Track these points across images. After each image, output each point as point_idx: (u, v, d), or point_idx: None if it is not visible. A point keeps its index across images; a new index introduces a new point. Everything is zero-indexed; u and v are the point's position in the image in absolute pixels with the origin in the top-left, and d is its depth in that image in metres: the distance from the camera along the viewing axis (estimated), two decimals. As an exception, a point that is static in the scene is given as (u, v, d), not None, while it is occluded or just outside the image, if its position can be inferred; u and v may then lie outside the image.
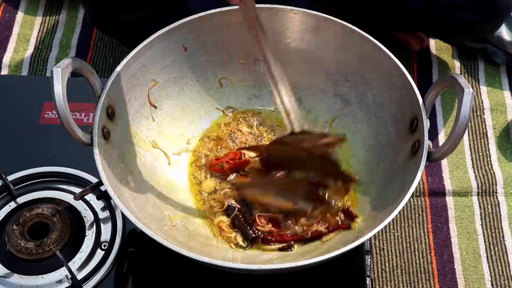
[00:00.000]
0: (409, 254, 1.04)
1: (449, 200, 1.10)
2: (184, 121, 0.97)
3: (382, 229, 1.05)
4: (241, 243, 0.86)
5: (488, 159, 1.15)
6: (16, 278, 0.85)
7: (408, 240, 1.06)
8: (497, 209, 1.09)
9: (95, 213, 0.92)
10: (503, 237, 1.07)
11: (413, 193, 0.79)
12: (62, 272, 0.86)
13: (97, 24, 1.22)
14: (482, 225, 1.08)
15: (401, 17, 1.16)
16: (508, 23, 1.27)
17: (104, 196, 0.92)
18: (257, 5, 0.93)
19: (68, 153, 0.96)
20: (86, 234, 0.90)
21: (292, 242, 0.85)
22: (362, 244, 0.86)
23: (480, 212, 1.09)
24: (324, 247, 0.84)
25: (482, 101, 1.24)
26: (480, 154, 1.16)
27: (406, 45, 1.28)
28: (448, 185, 1.12)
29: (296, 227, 0.86)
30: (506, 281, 1.02)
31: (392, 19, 1.18)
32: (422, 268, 1.03)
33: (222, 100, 0.99)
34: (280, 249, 0.85)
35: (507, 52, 1.26)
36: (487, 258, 1.04)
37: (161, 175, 0.92)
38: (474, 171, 1.14)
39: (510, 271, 1.03)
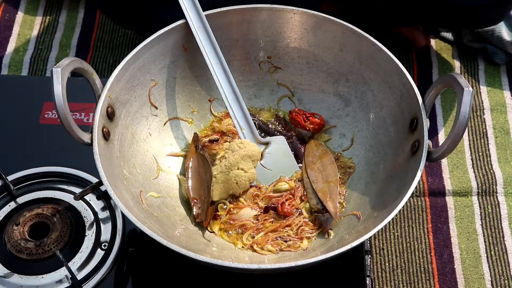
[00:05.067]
0: (409, 254, 1.04)
1: (449, 200, 1.10)
2: (184, 121, 0.97)
3: (382, 229, 1.05)
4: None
5: (488, 159, 1.15)
6: (16, 278, 0.85)
7: (408, 240, 1.06)
8: (497, 209, 1.09)
9: (95, 213, 0.92)
10: (503, 237, 1.06)
11: (413, 193, 0.79)
12: (62, 272, 0.86)
13: (105, 7, 1.18)
14: (482, 225, 1.08)
15: (409, 7, 1.15)
16: (508, 23, 1.26)
17: (104, 196, 0.92)
18: (257, 5, 0.93)
19: (68, 153, 0.96)
20: (86, 234, 0.90)
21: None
22: (362, 244, 0.86)
23: (480, 212, 1.09)
24: (324, 247, 0.84)
25: (482, 101, 1.24)
26: (480, 154, 1.16)
27: (411, 40, 1.27)
28: (448, 185, 1.12)
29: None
30: (506, 281, 1.02)
31: (401, 11, 1.17)
32: (422, 268, 1.03)
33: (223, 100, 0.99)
34: None
35: (507, 52, 1.25)
36: (487, 258, 1.04)
37: (161, 175, 0.92)
38: (474, 171, 1.14)
39: (510, 271, 1.03)
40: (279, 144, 0.94)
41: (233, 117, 0.92)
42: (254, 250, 0.85)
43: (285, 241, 0.86)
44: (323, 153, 0.94)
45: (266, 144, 0.93)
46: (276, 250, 0.85)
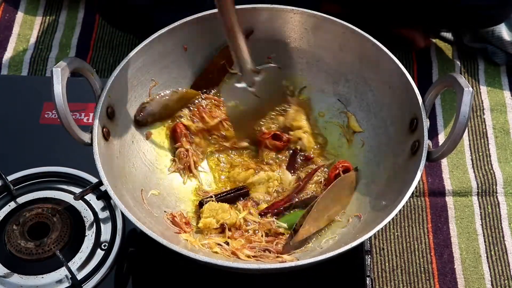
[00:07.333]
0: (409, 254, 1.04)
1: (449, 200, 1.10)
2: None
3: (382, 229, 1.05)
4: None
5: (488, 159, 1.15)
6: (16, 278, 0.86)
7: (408, 240, 1.06)
8: (497, 209, 1.09)
9: (95, 213, 0.92)
10: (503, 237, 1.07)
11: (413, 193, 0.79)
12: (62, 272, 0.86)
13: (104, 11, 1.19)
14: (482, 225, 1.08)
15: (412, 7, 1.15)
16: (508, 23, 1.27)
17: (104, 196, 0.92)
18: (257, 5, 0.93)
19: (68, 153, 0.96)
20: (86, 234, 0.90)
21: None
22: (362, 244, 0.86)
23: (480, 212, 1.09)
24: (324, 247, 0.84)
25: (482, 101, 1.24)
26: (480, 154, 1.16)
27: (411, 41, 1.27)
28: (448, 185, 1.12)
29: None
30: (506, 281, 1.02)
31: (402, 11, 1.17)
32: (422, 268, 1.03)
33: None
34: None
35: (507, 52, 1.26)
36: (487, 258, 1.04)
37: (161, 175, 0.92)
38: (474, 171, 1.14)
39: (510, 271, 1.03)
40: (272, 73, 0.93)
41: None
42: (237, 256, 0.83)
43: (263, 251, 0.84)
44: (348, 195, 0.89)
45: (259, 72, 0.92)
46: (252, 257, 0.82)
